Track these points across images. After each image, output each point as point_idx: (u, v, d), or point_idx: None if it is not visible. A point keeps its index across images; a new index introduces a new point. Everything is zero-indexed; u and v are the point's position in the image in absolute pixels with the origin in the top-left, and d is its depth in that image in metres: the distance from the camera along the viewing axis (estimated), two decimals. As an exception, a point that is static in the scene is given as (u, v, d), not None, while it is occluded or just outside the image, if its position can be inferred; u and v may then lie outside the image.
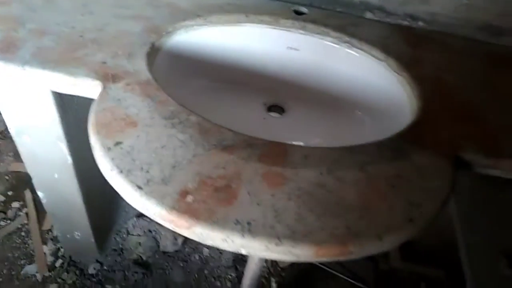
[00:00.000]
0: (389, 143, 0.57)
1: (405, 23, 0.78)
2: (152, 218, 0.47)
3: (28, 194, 1.35)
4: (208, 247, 1.32)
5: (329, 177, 0.51)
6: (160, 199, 0.46)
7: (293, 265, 1.30)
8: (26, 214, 1.31)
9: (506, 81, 0.70)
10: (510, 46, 0.78)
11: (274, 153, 0.53)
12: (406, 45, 0.74)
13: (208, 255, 1.30)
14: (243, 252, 0.47)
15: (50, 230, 1.28)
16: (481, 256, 0.79)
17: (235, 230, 0.45)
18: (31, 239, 1.25)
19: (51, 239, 1.26)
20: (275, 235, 0.45)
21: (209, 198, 0.47)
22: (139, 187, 0.47)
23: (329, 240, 0.45)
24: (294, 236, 0.45)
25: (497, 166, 0.57)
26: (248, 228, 0.45)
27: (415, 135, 0.58)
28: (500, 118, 0.63)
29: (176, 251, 1.28)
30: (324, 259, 0.47)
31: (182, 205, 0.46)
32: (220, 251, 1.31)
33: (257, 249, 0.45)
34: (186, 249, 1.30)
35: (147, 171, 0.48)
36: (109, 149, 0.50)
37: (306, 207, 0.48)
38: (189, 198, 0.47)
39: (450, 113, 0.62)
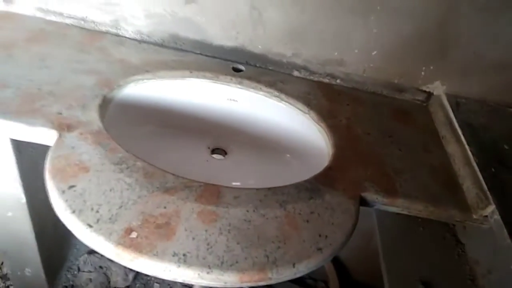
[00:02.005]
0: (307, 184, 0.68)
1: (326, 80, 0.92)
2: (100, 252, 0.55)
3: (-25, 233, 1.35)
4: (158, 282, 1.36)
5: (254, 214, 0.61)
6: (108, 235, 0.54)
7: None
8: (-27, 252, 1.31)
9: (404, 130, 0.85)
10: (409, 101, 0.93)
11: (209, 194, 0.62)
12: (325, 100, 0.87)
13: (158, 289, 1.34)
14: (179, 280, 0.55)
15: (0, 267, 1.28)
16: (401, 283, 0.89)
17: (172, 262, 0.53)
18: (-23, 278, 1.25)
19: (1, 277, 1.26)
20: (206, 265, 0.54)
21: (151, 234, 0.55)
22: (90, 225, 0.54)
23: (251, 268, 0.55)
24: (222, 265, 0.54)
25: (393, 204, 0.70)
26: (183, 259, 0.54)
27: (328, 178, 0.70)
28: (396, 163, 0.76)
29: (127, 286, 1.31)
30: (248, 284, 0.56)
31: (127, 240, 0.54)
32: (170, 286, 1.36)
33: (191, 277, 0.54)
34: (137, 285, 1.33)
35: (97, 211, 0.56)
36: (63, 192, 0.57)
37: (234, 240, 0.57)
38: (133, 234, 0.55)
39: (356, 159, 0.75)
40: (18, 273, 1.13)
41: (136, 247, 0.53)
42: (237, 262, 0.55)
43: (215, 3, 0.83)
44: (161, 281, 1.36)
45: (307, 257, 0.57)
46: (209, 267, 0.53)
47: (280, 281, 0.57)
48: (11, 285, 1.23)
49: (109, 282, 1.29)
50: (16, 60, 0.77)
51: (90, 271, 1.29)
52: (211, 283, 0.55)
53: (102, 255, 1.32)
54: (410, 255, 0.94)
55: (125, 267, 1.30)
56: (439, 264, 0.91)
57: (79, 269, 1.30)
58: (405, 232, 0.97)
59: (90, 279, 1.27)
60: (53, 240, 1.15)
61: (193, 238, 0.56)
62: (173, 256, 0.53)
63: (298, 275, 0.58)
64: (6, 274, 1.25)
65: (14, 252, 1.06)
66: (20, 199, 0.89)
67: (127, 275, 1.31)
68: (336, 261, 1.36)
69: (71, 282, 1.27)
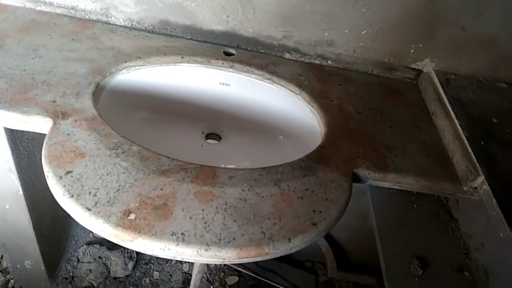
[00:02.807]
0: (300, 163, 0.69)
1: (317, 61, 0.93)
2: (100, 234, 0.56)
3: (-26, 228, 1.35)
4: (158, 270, 1.38)
5: (250, 193, 0.62)
6: (107, 218, 0.55)
7: (239, 282, 1.39)
8: (-27, 247, 1.32)
9: (394, 108, 0.86)
10: (399, 79, 0.95)
11: (205, 175, 0.64)
12: (316, 81, 0.88)
13: (159, 277, 1.36)
14: (178, 258, 0.56)
15: (-1, 262, 1.29)
16: (396, 259, 0.91)
17: (171, 241, 0.54)
18: (-22, 272, 1.26)
19: (1, 271, 1.27)
20: (205, 242, 0.55)
21: (149, 215, 0.56)
22: (88, 209, 0.55)
23: (248, 244, 0.56)
24: (220, 242, 0.55)
25: (385, 179, 0.71)
26: (182, 238, 0.55)
27: (321, 156, 0.71)
28: (387, 140, 0.77)
29: (127, 276, 1.33)
30: (246, 260, 0.57)
31: (126, 222, 0.55)
32: (170, 274, 1.38)
33: (190, 255, 0.55)
34: (137, 274, 1.35)
35: (95, 195, 0.57)
36: (60, 177, 0.58)
37: (231, 218, 0.58)
38: (132, 216, 0.56)
39: (348, 137, 0.76)
40: (18, 266, 1.14)
41: (135, 228, 0.54)
42: (234, 239, 0.56)
43: (204, -12, 0.83)
44: (161, 269, 1.38)
45: (302, 232, 0.59)
46: (207, 245, 0.55)
47: (277, 255, 0.59)
48: (11, 278, 1.24)
49: (108, 272, 1.31)
50: (8, 50, 0.77)
51: (89, 262, 1.30)
52: (210, 260, 0.56)
53: (101, 246, 1.33)
54: (404, 232, 0.95)
55: (124, 256, 1.32)
56: (433, 240, 0.92)
57: (78, 260, 1.31)
58: (399, 210, 0.99)
59: (90, 270, 1.28)
60: (52, 232, 1.16)
61: (190, 218, 0.57)
62: (172, 235, 0.55)
63: (294, 250, 0.59)
64: (6, 268, 1.26)
65: (13, 245, 1.08)
66: (17, 191, 0.90)
67: (126, 264, 1.32)
68: (333, 242, 1.38)
69: (71, 273, 1.28)
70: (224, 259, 0.56)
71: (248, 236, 0.57)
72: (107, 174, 0.60)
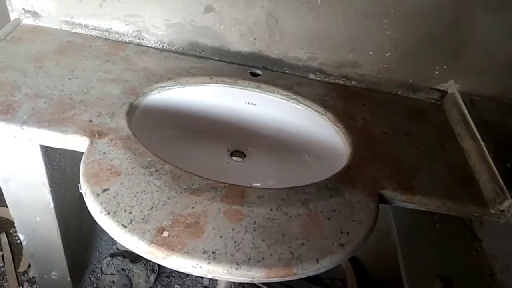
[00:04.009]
0: (327, 183, 0.70)
1: (341, 82, 0.95)
2: (134, 251, 0.58)
3: (3, 238, 1.40)
4: (179, 283, 1.39)
5: (278, 212, 0.64)
6: (141, 235, 0.57)
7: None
8: (2, 257, 1.36)
9: (419, 129, 0.87)
10: (424, 100, 0.95)
11: (234, 194, 0.65)
12: (341, 101, 0.89)
13: (179, 291, 1.37)
14: (210, 276, 0.58)
15: (26, 272, 1.32)
16: (419, 279, 0.91)
17: (203, 259, 0.56)
18: (7, 282, 1.29)
19: (27, 281, 1.30)
20: (235, 261, 0.56)
21: (181, 233, 0.58)
22: (124, 226, 0.58)
23: (277, 264, 0.57)
24: (249, 261, 0.57)
25: (411, 201, 0.72)
26: (213, 256, 0.56)
27: (347, 177, 0.72)
28: (413, 161, 0.78)
29: (149, 288, 1.35)
30: (274, 279, 0.59)
31: (160, 239, 0.57)
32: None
33: (221, 273, 0.57)
34: (158, 287, 1.37)
35: (130, 212, 0.59)
36: (98, 195, 0.61)
37: (260, 238, 0.60)
38: (165, 234, 0.58)
39: (374, 157, 0.77)
40: (45, 276, 1.17)
41: (168, 245, 0.56)
42: (263, 258, 0.57)
43: (233, 12, 0.86)
44: (182, 283, 1.39)
45: (330, 253, 0.60)
46: (238, 264, 0.56)
47: (305, 276, 0.60)
48: (38, 288, 1.27)
49: (131, 284, 1.33)
50: (47, 71, 0.81)
51: (112, 274, 1.32)
52: (239, 279, 0.57)
53: (124, 258, 1.36)
54: (428, 252, 0.95)
55: (147, 269, 1.34)
56: (457, 260, 0.92)
57: (102, 272, 1.34)
58: (422, 230, 0.98)
59: (113, 282, 1.31)
60: (78, 244, 1.19)
61: (221, 236, 0.59)
62: (203, 253, 0.56)
63: (321, 271, 0.60)
64: (33, 277, 1.29)
65: (41, 256, 1.11)
66: (48, 204, 0.93)
67: (148, 277, 1.34)
68: (353, 259, 1.38)
69: (94, 285, 1.31)
70: (253, 278, 0.57)
71: (277, 256, 0.58)
72: (142, 192, 0.62)
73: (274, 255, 0.58)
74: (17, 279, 1.30)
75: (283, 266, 0.57)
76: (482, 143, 0.79)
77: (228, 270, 0.56)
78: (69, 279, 1.19)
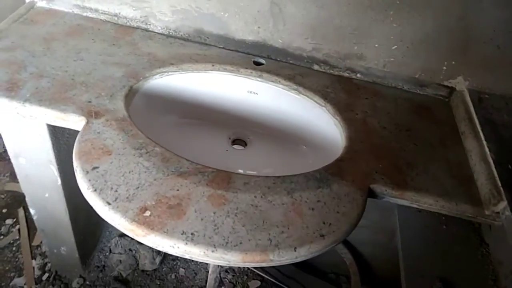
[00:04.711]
0: (316, 174, 0.70)
1: (346, 74, 0.93)
2: (116, 227, 0.60)
3: (21, 212, 1.47)
4: (184, 267, 1.42)
5: (262, 200, 0.64)
6: (124, 213, 0.59)
7: (261, 287, 1.40)
8: (18, 230, 1.43)
9: (422, 125, 0.85)
10: (431, 96, 0.93)
11: (220, 179, 0.66)
12: (343, 93, 0.88)
13: (184, 274, 1.40)
14: (187, 256, 0.59)
15: (39, 245, 1.39)
16: (417, 280, 0.89)
17: (181, 239, 0.57)
18: (21, 254, 1.36)
19: (40, 254, 1.36)
20: (212, 244, 0.57)
21: (163, 213, 0.60)
22: (108, 203, 0.60)
23: (253, 249, 0.58)
24: (226, 245, 0.58)
25: (402, 197, 0.70)
26: (191, 237, 0.58)
27: (338, 169, 0.71)
28: (410, 157, 0.76)
29: (154, 270, 1.39)
30: (250, 264, 0.59)
31: (141, 218, 0.58)
32: (195, 272, 1.42)
33: (197, 254, 0.58)
34: (164, 269, 1.40)
35: (116, 191, 0.61)
36: (87, 172, 0.63)
37: (240, 223, 0.60)
38: (147, 213, 0.59)
39: (369, 152, 0.76)
40: (54, 251, 1.22)
41: (148, 224, 0.58)
42: (241, 243, 0.58)
43: (237, -1, 0.86)
44: (187, 267, 1.42)
45: (309, 242, 0.60)
46: (214, 246, 0.57)
47: (281, 263, 0.60)
48: (49, 262, 1.33)
49: (137, 264, 1.37)
50: (54, 52, 0.84)
51: (120, 253, 1.37)
52: (216, 261, 0.58)
53: (132, 238, 1.40)
54: (430, 253, 0.93)
55: (153, 251, 1.37)
56: (460, 263, 0.89)
57: (110, 251, 1.38)
58: (427, 230, 0.96)
59: (120, 261, 1.35)
60: (87, 223, 1.23)
61: (202, 219, 0.60)
62: (182, 234, 0.58)
63: (299, 259, 0.60)
64: (45, 251, 1.35)
65: (50, 232, 1.16)
66: (56, 181, 0.97)
67: (154, 258, 1.37)
68: (358, 257, 1.36)
69: (102, 263, 1.36)
70: (229, 262, 0.58)
71: (255, 242, 0.58)
72: (130, 172, 0.64)
73: (252, 241, 0.59)
74: (31, 252, 1.36)
75: (260, 252, 0.58)
76: (484, 142, 0.77)
77: (204, 252, 0.57)
78: (77, 255, 1.24)
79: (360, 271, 1.37)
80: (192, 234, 0.58)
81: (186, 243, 0.57)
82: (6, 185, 1.57)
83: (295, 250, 0.59)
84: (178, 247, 0.57)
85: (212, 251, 0.57)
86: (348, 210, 0.65)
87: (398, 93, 0.92)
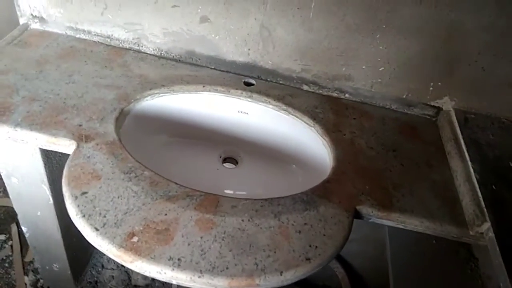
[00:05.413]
0: (303, 196, 0.71)
1: (335, 94, 0.95)
2: (104, 253, 0.60)
3: (14, 228, 1.47)
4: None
5: (249, 223, 0.65)
6: (112, 239, 0.59)
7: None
8: (11, 246, 1.43)
9: (409, 145, 0.86)
10: (418, 115, 0.94)
11: (208, 203, 0.67)
12: (331, 113, 0.90)
13: (177, 289, 1.40)
14: (174, 282, 0.60)
15: (31, 262, 1.39)
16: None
17: (167, 265, 0.58)
18: (14, 270, 1.36)
19: (32, 271, 1.37)
20: (199, 269, 0.58)
21: (151, 239, 0.60)
22: (96, 229, 0.60)
23: (240, 274, 0.58)
24: (213, 270, 0.58)
25: (388, 218, 0.71)
26: (178, 263, 0.58)
27: (325, 191, 0.72)
28: (396, 178, 0.78)
29: (147, 285, 1.39)
30: (237, 290, 0.60)
31: (129, 244, 0.59)
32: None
33: (184, 280, 0.58)
34: (156, 284, 1.40)
35: (104, 216, 0.62)
36: (76, 197, 0.64)
37: (227, 247, 0.61)
38: (135, 239, 0.60)
39: (356, 173, 0.77)
40: (46, 267, 1.23)
41: (136, 250, 0.59)
42: (227, 268, 0.59)
43: (227, 23, 0.88)
44: (181, 282, 1.42)
45: (295, 266, 0.61)
46: (201, 272, 0.58)
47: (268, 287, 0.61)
48: (41, 278, 1.33)
49: (130, 279, 1.37)
50: (46, 76, 0.85)
51: (113, 269, 1.37)
52: (202, 287, 0.59)
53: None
54: (420, 267, 0.94)
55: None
56: (449, 277, 0.90)
57: (103, 266, 1.38)
58: (417, 245, 0.97)
59: (113, 276, 1.35)
60: (79, 239, 1.22)
61: (189, 244, 0.61)
62: (169, 260, 0.58)
63: (285, 283, 0.61)
64: (37, 268, 1.35)
65: (42, 249, 1.16)
66: (47, 200, 0.98)
67: (148, 274, 1.37)
68: (350, 269, 1.37)
69: (95, 278, 1.36)
70: (216, 287, 0.59)
71: (241, 266, 0.59)
72: (118, 197, 0.65)
73: (239, 265, 0.59)
74: (23, 268, 1.36)
75: (246, 277, 0.59)
76: (469, 163, 0.78)
77: (191, 278, 0.58)
78: (69, 271, 1.24)
79: (352, 284, 1.37)
80: (179, 259, 0.59)
81: (173, 269, 0.58)
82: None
83: (281, 274, 0.60)
84: (165, 273, 0.58)
85: (199, 277, 0.58)
86: (334, 233, 0.66)
87: (386, 113, 0.94)
